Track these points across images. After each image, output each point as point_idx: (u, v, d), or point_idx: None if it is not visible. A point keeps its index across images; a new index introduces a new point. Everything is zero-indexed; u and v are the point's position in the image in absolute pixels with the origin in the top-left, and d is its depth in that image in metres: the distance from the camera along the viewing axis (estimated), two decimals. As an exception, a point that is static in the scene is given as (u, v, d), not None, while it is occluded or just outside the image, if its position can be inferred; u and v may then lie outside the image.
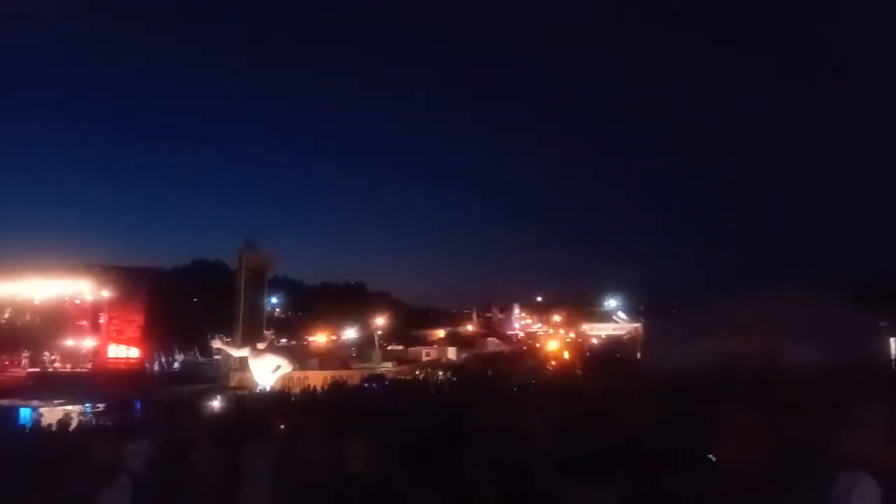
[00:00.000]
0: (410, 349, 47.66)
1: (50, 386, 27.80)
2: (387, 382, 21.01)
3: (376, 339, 47.62)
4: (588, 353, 39.51)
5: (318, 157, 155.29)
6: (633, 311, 59.40)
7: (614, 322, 59.80)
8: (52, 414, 20.09)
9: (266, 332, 34.09)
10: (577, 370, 24.88)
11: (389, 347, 47.41)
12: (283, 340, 44.60)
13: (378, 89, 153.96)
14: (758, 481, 4.01)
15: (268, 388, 25.67)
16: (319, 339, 52.84)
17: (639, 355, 27.51)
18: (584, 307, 66.80)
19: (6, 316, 35.06)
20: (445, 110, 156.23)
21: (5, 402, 23.56)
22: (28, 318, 35.27)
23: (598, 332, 57.03)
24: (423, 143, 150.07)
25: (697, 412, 6.21)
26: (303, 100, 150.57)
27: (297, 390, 18.59)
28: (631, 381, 14.60)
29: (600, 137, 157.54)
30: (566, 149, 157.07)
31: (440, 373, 29.70)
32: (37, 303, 34.27)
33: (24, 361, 35.30)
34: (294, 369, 29.77)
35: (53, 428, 13.15)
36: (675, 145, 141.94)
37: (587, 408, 8.02)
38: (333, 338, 53.41)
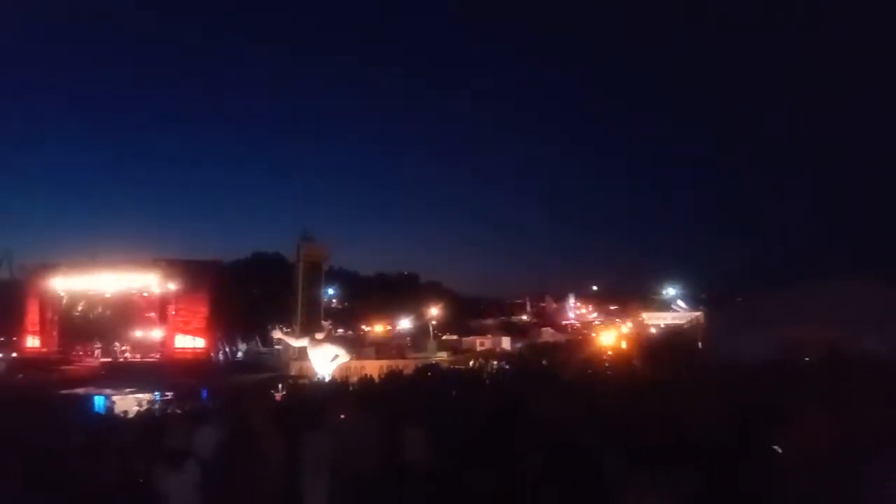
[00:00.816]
0: (465, 339, 47.74)
1: (121, 375, 29.05)
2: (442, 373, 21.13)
3: (431, 328, 47.95)
4: (646, 343, 38.80)
5: (372, 149, 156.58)
6: (693, 300, 57.92)
7: (673, 311, 58.42)
8: (124, 402, 21.02)
9: (324, 323, 34.77)
10: (635, 360, 24.46)
11: (444, 337, 47.63)
12: (340, 330, 45.36)
13: (432, 84, 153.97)
14: (824, 472, 3.91)
15: (327, 377, 26.18)
16: (375, 329, 53.54)
17: (700, 345, 26.88)
18: (641, 296, 65.48)
19: (80, 309, 36.76)
20: (499, 102, 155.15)
21: (81, 390, 24.74)
22: (100, 310, 36.91)
23: (656, 321, 55.84)
24: (475, 134, 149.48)
25: (762, 403, 6.06)
26: (358, 92, 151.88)
27: (354, 379, 18.86)
28: (691, 371, 14.29)
29: (657, 126, 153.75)
30: (622, 136, 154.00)
31: (494, 362, 29.65)
32: (108, 296, 35.86)
33: (97, 352, 37.13)
34: (351, 359, 30.30)
35: (129, 415, 13.78)
36: (739, 134, 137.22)
37: (646, 398, 7.92)
38: (389, 328, 54.01)
